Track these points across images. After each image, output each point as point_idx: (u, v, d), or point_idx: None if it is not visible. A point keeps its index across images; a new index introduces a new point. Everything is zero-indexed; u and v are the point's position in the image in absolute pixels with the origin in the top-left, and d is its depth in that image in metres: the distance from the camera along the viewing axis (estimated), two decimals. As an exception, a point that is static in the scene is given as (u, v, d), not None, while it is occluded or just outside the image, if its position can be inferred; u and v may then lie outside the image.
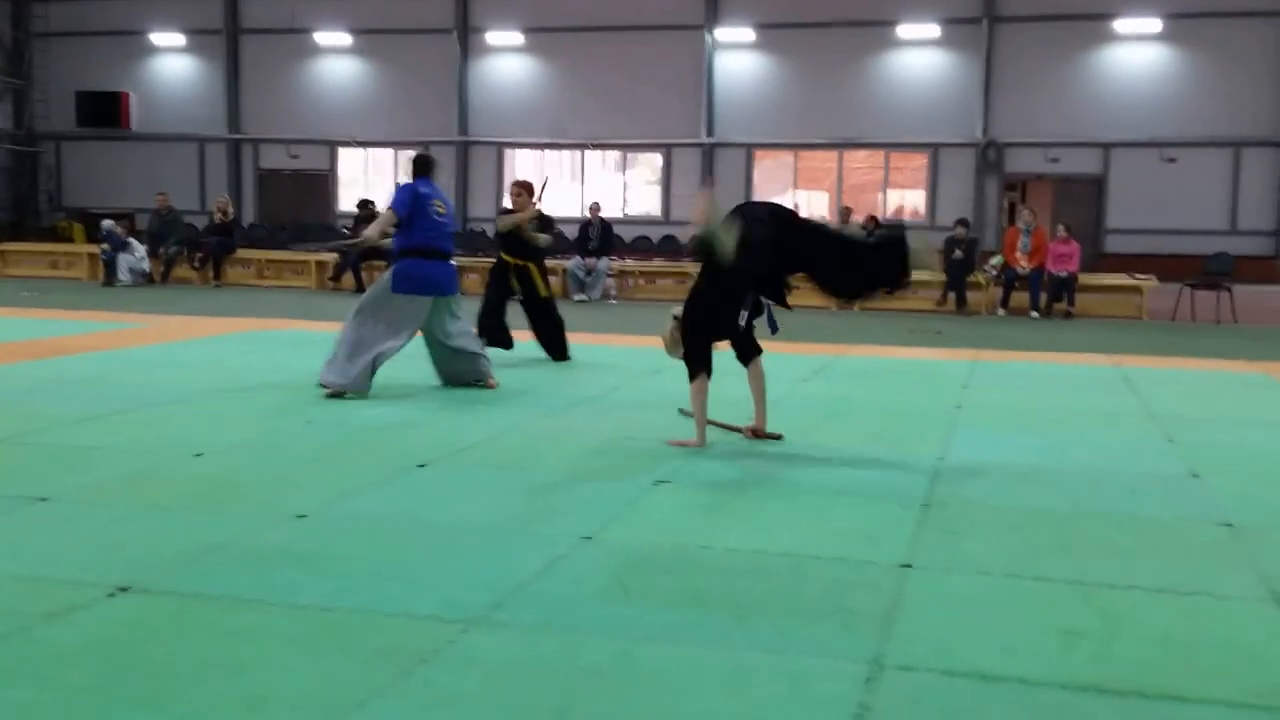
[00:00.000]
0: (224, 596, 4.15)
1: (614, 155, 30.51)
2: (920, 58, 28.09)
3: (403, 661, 3.60)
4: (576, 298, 19.80)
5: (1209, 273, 19.37)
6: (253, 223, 30.48)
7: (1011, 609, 4.25)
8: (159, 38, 32.36)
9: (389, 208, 9.08)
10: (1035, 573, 4.63)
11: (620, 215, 28.54)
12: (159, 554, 4.63)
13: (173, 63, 32.67)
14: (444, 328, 9.17)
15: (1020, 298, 18.58)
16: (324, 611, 4.02)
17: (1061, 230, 18.78)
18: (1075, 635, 3.97)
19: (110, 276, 21.02)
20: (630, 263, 22.43)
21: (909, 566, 4.67)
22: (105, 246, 21.24)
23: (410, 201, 8.92)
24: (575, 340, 11.41)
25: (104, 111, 32.44)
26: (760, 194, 29.33)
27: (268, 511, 5.30)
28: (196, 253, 21.95)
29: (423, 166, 9.26)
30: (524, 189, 11.17)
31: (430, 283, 8.98)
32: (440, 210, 9.07)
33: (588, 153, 30.41)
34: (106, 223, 21.92)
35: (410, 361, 10.59)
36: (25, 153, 33.75)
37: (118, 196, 31.19)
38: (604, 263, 20.11)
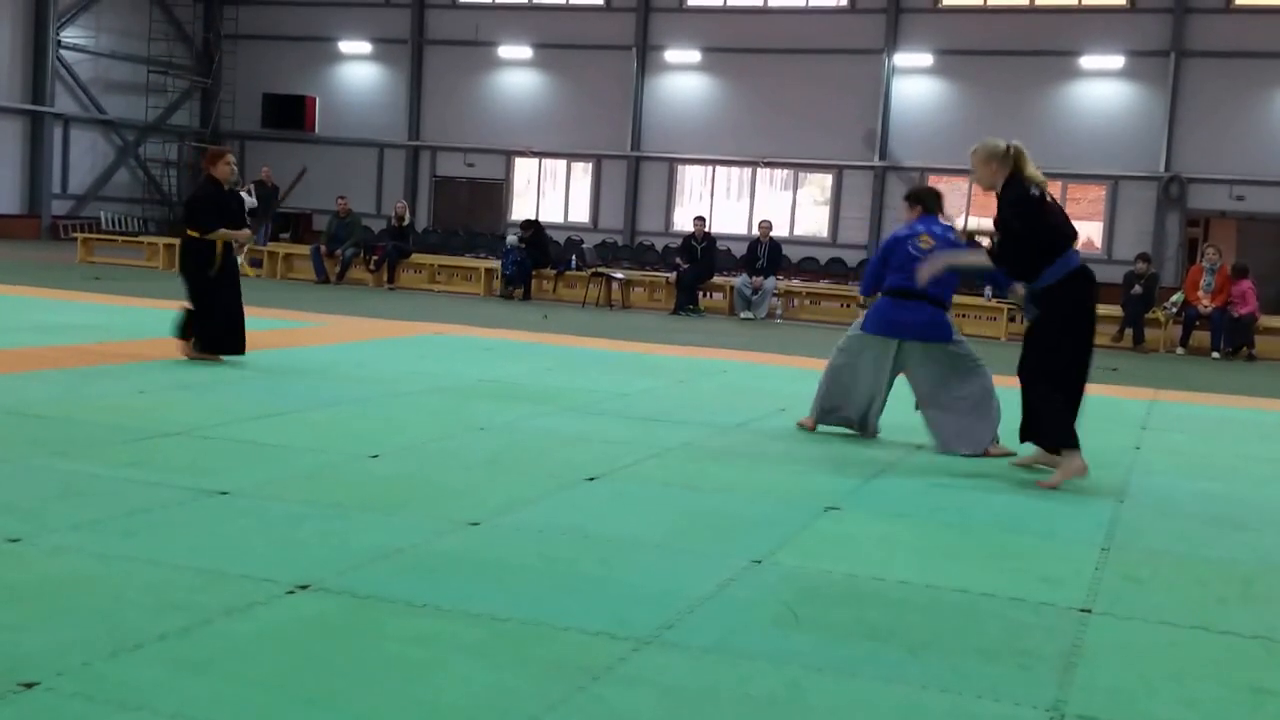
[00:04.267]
0: (400, 600, 4.20)
1: (783, 174, 30.40)
2: (1103, 89, 27.53)
3: (575, 676, 3.60)
4: (742, 315, 19.74)
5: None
6: (427, 228, 31.05)
7: (1197, 662, 4.10)
8: (347, 45, 33.22)
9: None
10: (1221, 626, 4.47)
11: (788, 235, 28.41)
12: (337, 554, 4.71)
13: (358, 70, 33.51)
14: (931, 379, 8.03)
15: (1201, 337, 18.02)
16: (497, 621, 4.04)
17: (1227, 267, 18.19)
18: (1265, 694, 3.82)
19: (510, 288, 21.13)
20: (796, 283, 22.35)
21: (1089, 611, 4.54)
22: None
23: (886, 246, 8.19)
24: (739, 358, 11.33)
25: (289, 114, 33.38)
26: (932, 219, 28.99)
27: (441, 517, 5.37)
28: (372, 255, 22.39)
29: (929, 202, 8.29)
30: None
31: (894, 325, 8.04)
32: (924, 245, 7.94)
33: (758, 171, 30.35)
34: (511, 237, 22.03)
35: (579, 373, 10.68)
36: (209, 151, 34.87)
37: (297, 197, 32.03)
38: (770, 282, 20.01)
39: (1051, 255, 6.90)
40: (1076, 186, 28.10)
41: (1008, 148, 6.95)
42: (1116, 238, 27.55)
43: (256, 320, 13.66)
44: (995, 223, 7.09)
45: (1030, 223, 6.89)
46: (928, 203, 8.19)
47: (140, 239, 26.13)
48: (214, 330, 9.94)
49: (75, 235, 25.67)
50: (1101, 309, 18.84)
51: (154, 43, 33.30)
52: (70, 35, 31.39)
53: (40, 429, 6.83)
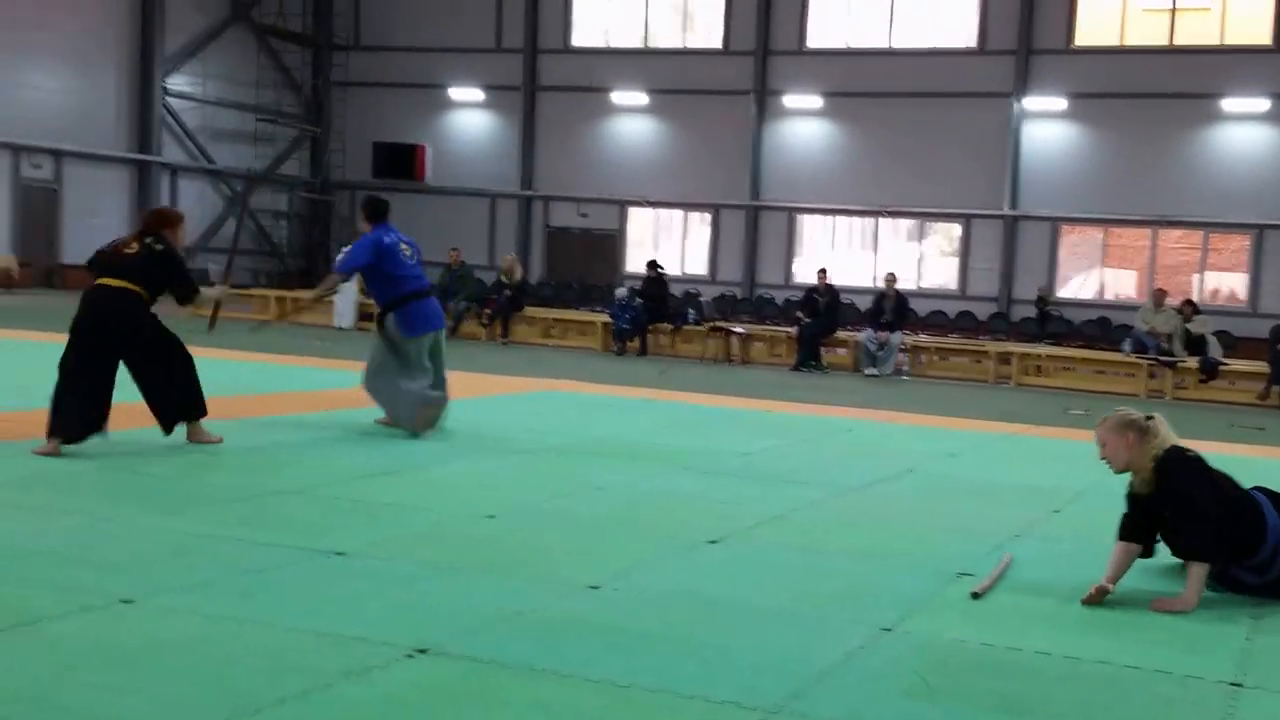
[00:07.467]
0: (520, 665, 4.10)
1: (908, 224, 29.94)
2: (1246, 133, 26.64)
3: (702, 750, 3.46)
4: (867, 372, 19.37)
5: None
6: (540, 280, 30.95)
7: (1360, 743, 3.86)
8: (457, 92, 33.11)
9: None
10: (1385, 704, 4.20)
11: (914, 287, 27.95)
12: (455, 616, 4.63)
13: (469, 117, 33.45)
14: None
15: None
16: (619, 688, 3.93)
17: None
18: None
19: (623, 341, 21.12)
20: (924, 338, 21.97)
21: (1239, 685, 4.32)
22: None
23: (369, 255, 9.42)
24: (864, 416, 11.02)
25: (399, 163, 33.13)
26: (1064, 271, 28.37)
27: (560, 580, 5.27)
28: (485, 309, 22.38)
29: (380, 211, 9.57)
30: None
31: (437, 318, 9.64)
32: (407, 252, 9.54)
33: (882, 221, 29.91)
34: (620, 290, 22.22)
35: (698, 430, 10.57)
36: (319, 201, 34.98)
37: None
38: (897, 337, 19.64)
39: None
40: (1218, 236, 27.23)
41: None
42: (1263, 289, 26.59)
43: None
44: None
45: None
46: (385, 212, 9.59)
47: (250, 292, 25.51)
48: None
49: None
50: (1247, 365, 18.40)
51: (262, 90, 33.20)
52: (176, 83, 31.14)
53: (150, 487, 6.87)
